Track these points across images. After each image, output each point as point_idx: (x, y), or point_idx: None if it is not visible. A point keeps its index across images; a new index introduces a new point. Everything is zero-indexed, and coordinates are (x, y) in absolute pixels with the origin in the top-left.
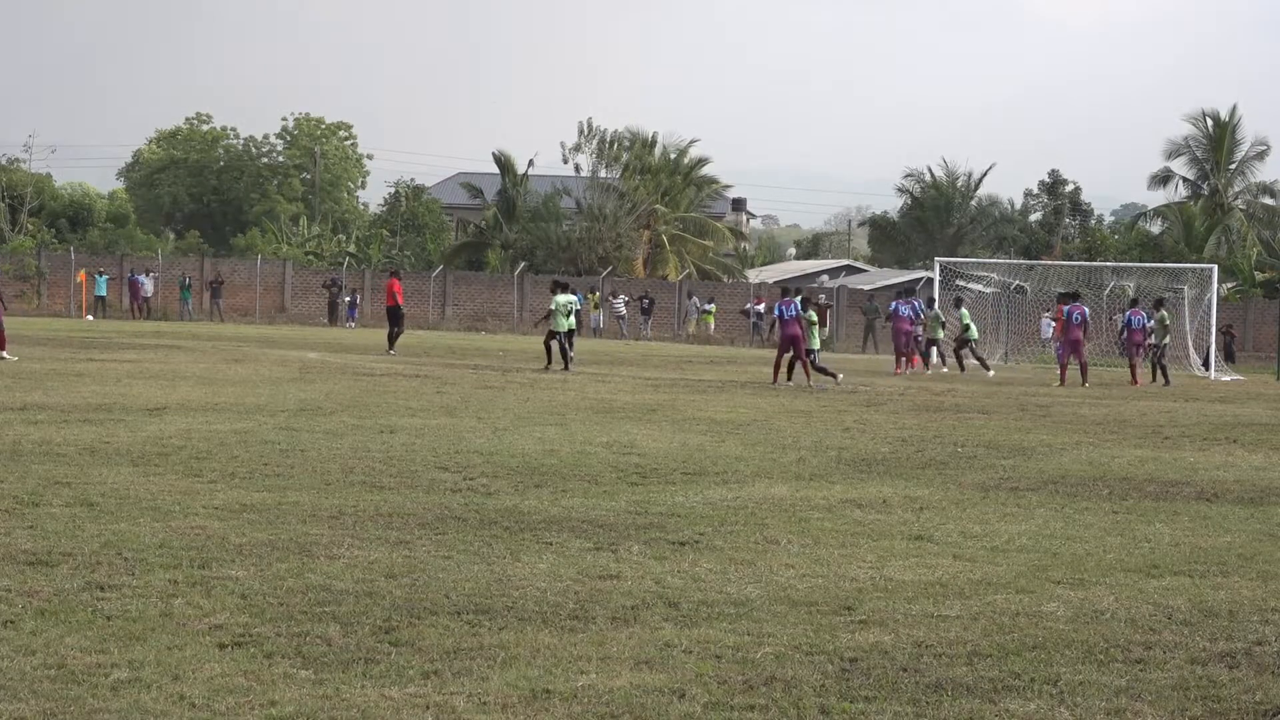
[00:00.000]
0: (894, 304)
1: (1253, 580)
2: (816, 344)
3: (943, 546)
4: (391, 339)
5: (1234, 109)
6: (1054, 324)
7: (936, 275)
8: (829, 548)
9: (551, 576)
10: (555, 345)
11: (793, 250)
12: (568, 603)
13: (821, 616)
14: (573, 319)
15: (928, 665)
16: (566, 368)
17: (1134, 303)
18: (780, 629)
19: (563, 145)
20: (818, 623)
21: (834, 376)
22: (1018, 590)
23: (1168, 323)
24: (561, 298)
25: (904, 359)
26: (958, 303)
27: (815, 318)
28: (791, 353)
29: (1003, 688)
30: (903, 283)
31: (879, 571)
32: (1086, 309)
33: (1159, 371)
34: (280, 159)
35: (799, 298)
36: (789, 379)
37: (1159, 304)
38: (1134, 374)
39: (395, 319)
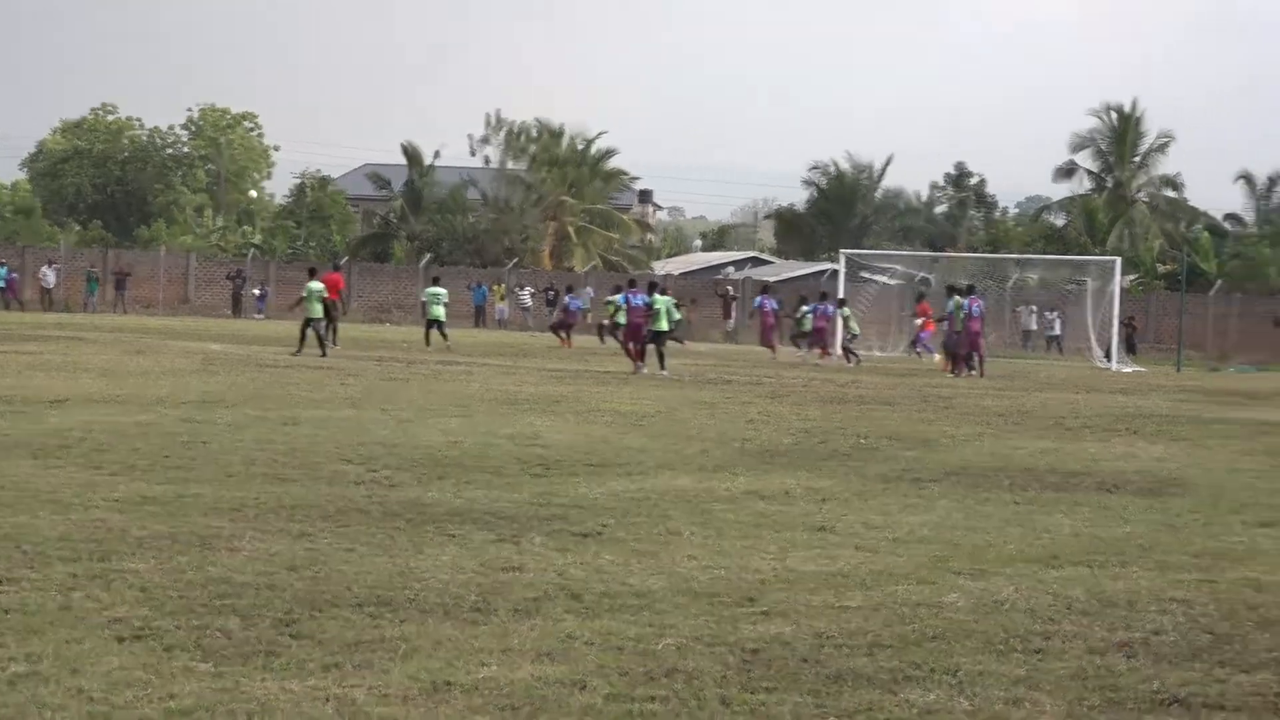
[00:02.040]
0: (758, 299)
1: (1151, 570)
2: (664, 326)
3: (845, 538)
4: (333, 333)
5: (1135, 102)
6: (922, 320)
7: (841, 267)
8: (731, 539)
9: (454, 568)
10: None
11: (699, 242)
12: (470, 595)
13: (723, 608)
14: (441, 309)
15: (829, 656)
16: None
17: (970, 290)
18: (682, 620)
19: (470, 137)
20: (720, 614)
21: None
22: (919, 581)
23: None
24: (432, 289)
25: (773, 348)
26: (841, 303)
27: (661, 303)
28: (640, 340)
29: (903, 678)
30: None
31: (781, 563)
32: (982, 301)
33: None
34: (185, 150)
35: (646, 286)
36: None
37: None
38: (972, 364)
39: (332, 313)
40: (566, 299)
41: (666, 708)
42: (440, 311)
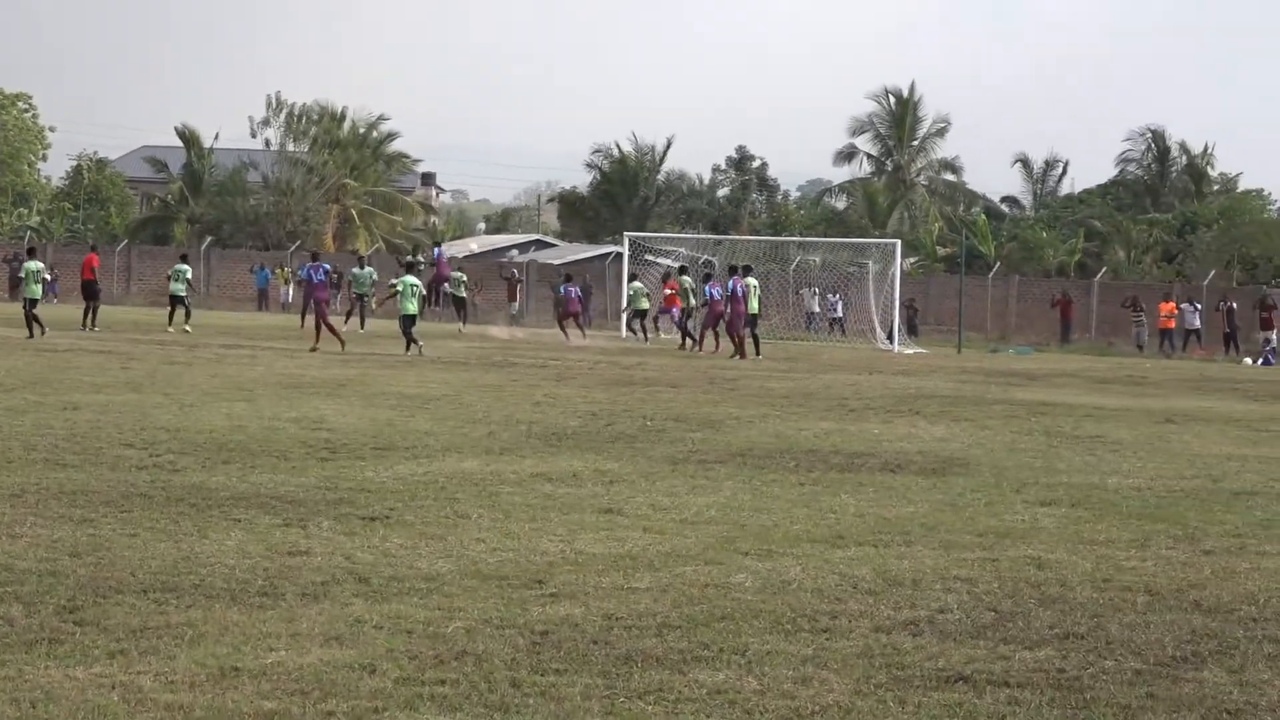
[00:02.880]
0: (563, 287)
1: (935, 549)
2: (413, 309)
3: (632, 519)
4: (90, 314)
5: (913, 86)
6: (670, 294)
7: (625, 250)
8: (519, 522)
9: (240, 553)
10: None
11: (482, 225)
12: (256, 580)
13: (512, 590)
14: (182, 285)
15: (618, 637)
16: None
17: (708, 277)
18: (471, 603)
19: (250, 119)
20: (508, 596)
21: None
22: (706, 562)
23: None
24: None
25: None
26: (632, 278)
27: (403, 284)
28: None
29: (692, 658)
30: (578, 260)
31: (569, 545)
32: (720, 287)
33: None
34: None
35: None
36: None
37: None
38: (703, 341)
39: (91, 294)
40: (563, 288)
41: (456, 690)
42: (180, 289)
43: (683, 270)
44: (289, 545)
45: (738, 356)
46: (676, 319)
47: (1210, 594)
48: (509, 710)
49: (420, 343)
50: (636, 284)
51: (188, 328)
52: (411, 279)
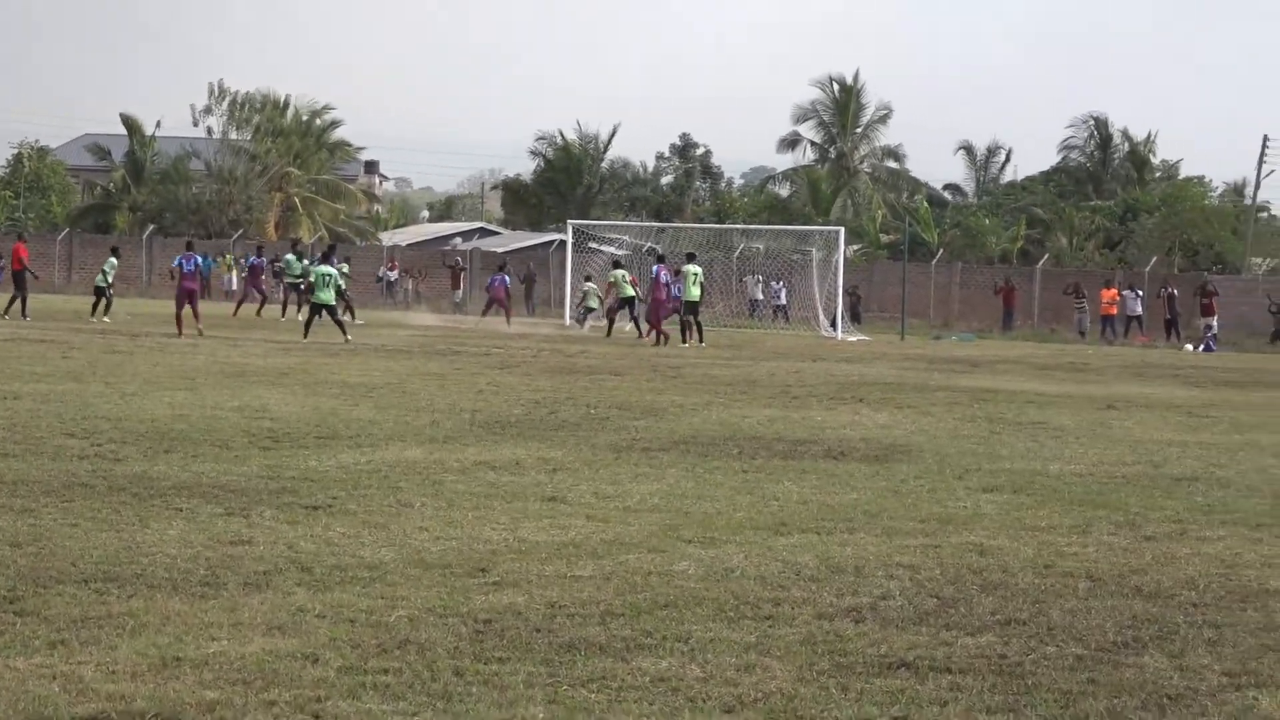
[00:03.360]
0: (493, 276)
1: (878, 536)
2: (326, 298)
3: (576, 507)
4: (19, 304)
5: (857, 73)
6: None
7: (569, 237)
8: (463, 510)
9: (182, 543)
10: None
11: (426, 213)
12: (198, 569)
13: (455, 579)
14: (104, 277)
15: (561, 625)
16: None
17: (660, 259)
18: (414, 592)
19: (193, 107)
20: (451, 585)
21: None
22: (650, 550)
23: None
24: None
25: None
26: (587, 278)
27: (316, 273)
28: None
29: (635, 646)
30: (522, 248)
31: (513, 533)
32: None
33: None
34: None
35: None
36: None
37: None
38: (652, 331)
39: (20, 284)
40: (492, 277)
41: (400, 679)
42: (101, 279)
43: (616, 265)
44: (231, 535)
45: (661, 342)
46: (617, 310)
47: (1151, 579)
48: (452, 699)
49: (307, 338)
50: (590, 285)
51: (106, 318)
52: (325, 268)
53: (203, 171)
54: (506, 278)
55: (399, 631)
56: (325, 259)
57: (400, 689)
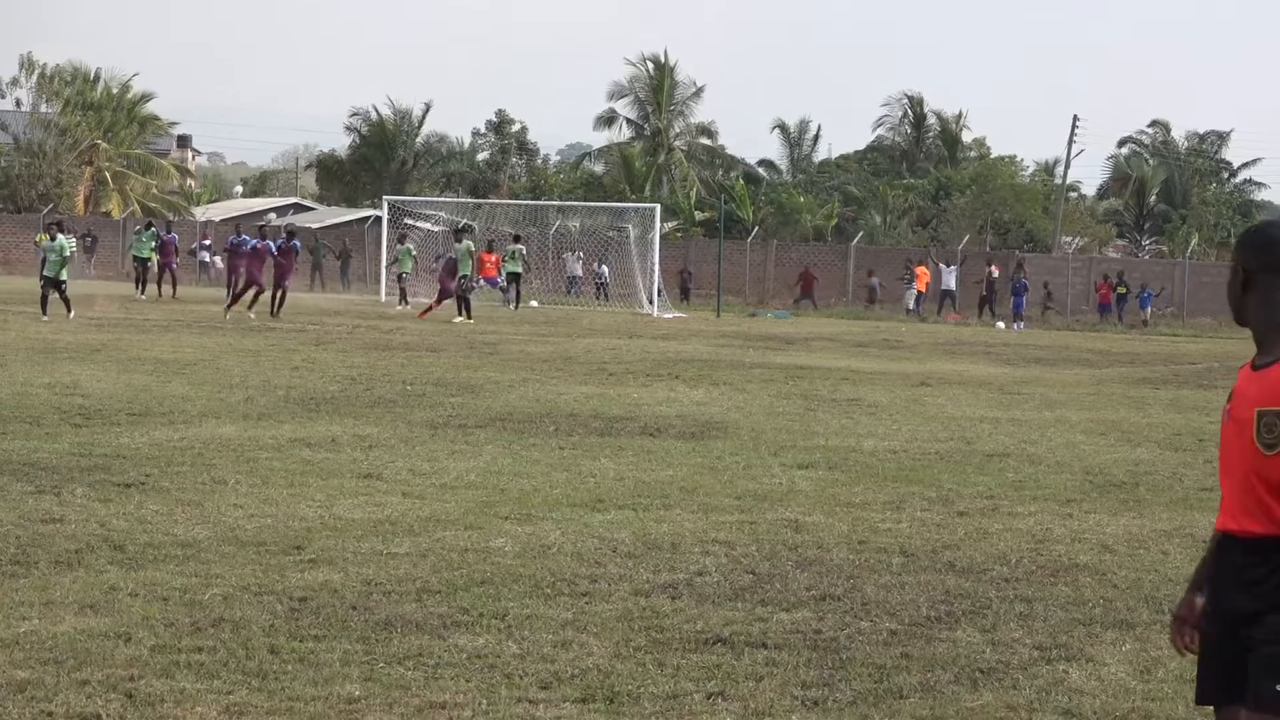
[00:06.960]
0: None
1: (694, 513)
2: (49, 273)
3: (392, 484)
4: None
5: (666, 51)
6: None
7: (385, 213)
8: (278, 487)
9: None
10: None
11: (239, 188)
12: (9, 548)
13: (270, 556)
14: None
15: (377, 603)
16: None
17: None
18: (229, 570)
19: (0, 79)
20: (266, 563)
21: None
22: (466, 527)
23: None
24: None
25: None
26: (402, 239)
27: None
28: None
29: (452, 623)
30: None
31: (328, 510)
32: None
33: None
34: None
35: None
36: None
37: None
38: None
39: None
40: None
41: (214, 658)
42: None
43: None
44: (42, 513)
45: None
46: (496, 285)
47: (964, 555)
48: (267, 677)
49: (46, 315)
50: (407, 245)
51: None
52: (57, 241)
53: (10, 145)
54: (273, 244)
55: (213, 610)
56: (55, 231)
57: (215, 667)
